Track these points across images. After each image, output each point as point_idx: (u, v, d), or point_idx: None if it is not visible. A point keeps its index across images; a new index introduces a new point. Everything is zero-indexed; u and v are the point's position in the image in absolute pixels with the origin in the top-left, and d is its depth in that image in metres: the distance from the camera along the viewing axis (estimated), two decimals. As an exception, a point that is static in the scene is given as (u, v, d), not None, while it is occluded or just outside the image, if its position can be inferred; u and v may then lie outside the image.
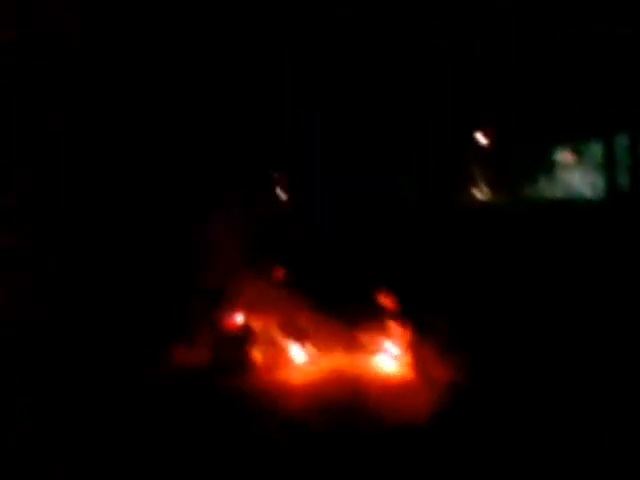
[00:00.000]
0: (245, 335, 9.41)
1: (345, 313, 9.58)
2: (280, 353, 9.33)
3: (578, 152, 15.61)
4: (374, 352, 8.96)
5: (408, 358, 8.69)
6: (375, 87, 14.32)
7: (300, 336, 9.36)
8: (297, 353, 9.28)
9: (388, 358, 8.84)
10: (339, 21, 13.33)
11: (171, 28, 12.33)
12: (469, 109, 14.98)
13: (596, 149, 15.46)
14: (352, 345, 9.13)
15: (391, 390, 8.17)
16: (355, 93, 14.30)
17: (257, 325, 9.53)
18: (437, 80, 14.42)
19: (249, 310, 9.67)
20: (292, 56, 13.54)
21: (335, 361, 9.02)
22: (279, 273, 11.00)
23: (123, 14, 11.40)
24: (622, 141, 14.97)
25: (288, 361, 9.16)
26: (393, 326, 8.96)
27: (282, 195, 14.56)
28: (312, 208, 14.16)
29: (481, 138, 15.60)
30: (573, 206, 14.50)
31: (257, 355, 9.21)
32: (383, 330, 8.99)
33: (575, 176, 15.53)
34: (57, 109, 11.07)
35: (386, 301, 9.20)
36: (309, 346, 9.28)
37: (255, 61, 13.20)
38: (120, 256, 10.44)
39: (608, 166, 14.51)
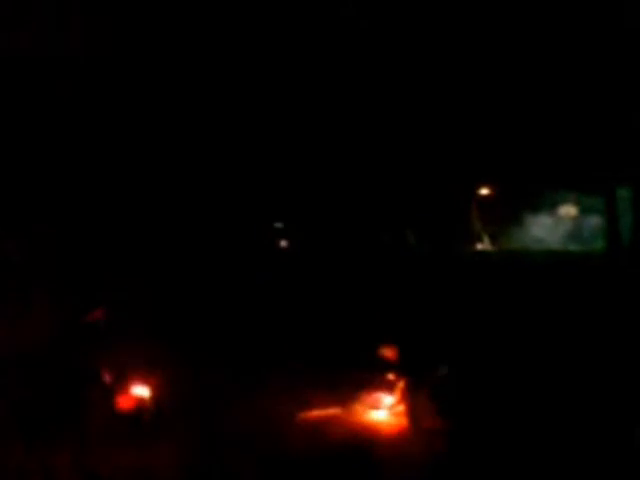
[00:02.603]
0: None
1: (343, 365, 9.66)
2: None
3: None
4: (370, 403, 8.96)
5: (401, 408, 8.69)
6: (380, 143, 14.51)
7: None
8: None
9: (382, 408, 8.83)
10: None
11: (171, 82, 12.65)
12: (472, 165, 15.16)
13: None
14: (349, 396, 9.14)
15: (386, 438, 8.22)
16: (360, 147, 14.49)
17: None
18: (441, 137, 14.63)
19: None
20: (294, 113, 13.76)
21: (331, 411, 9.02)
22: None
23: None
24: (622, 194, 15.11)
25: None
26: (389, 378, 8.98)
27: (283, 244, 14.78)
28: (312, 259, 14.32)
29: (484, 192, 15.76)
30: (576, 258, 14.51)
31: None
32: (379, 382, 9.01)
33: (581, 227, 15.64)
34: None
35: (386, 353, 9.25)
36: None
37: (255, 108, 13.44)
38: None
39: (610, 219, 14.54)
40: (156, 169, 13.07)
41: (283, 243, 14.29)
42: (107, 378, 8.67)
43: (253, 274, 13.13)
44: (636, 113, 13.81)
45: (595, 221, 15.06)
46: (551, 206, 15.32)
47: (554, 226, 15.20)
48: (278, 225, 14.40)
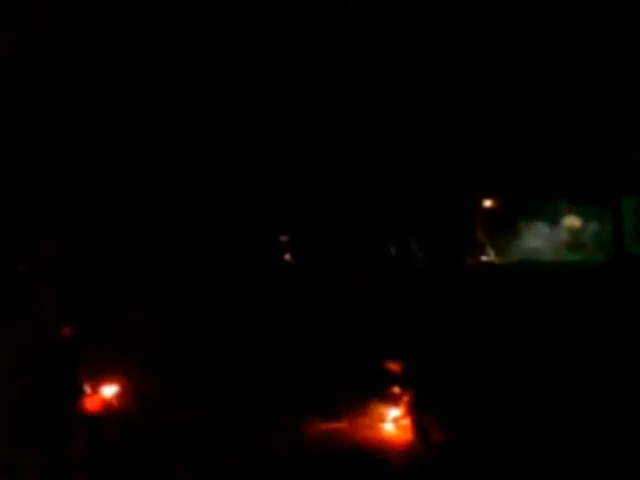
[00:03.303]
0: None
1: (349, 378, 9.69)
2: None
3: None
4: (375, 416, 8.99)
5: (407, 421, 8.72)
6: (383, 151, 14.50)
7: None
8: None
9: (389, 421, 8.86)
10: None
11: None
12: (477, 177, 15.16)
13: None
14: (355, 409, 9.17)
15: (391, 451, 8.26)
16: (365, 159, 14.52)
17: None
18: (446, 147, 14.64)
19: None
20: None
21: (338, 424, 9.06)
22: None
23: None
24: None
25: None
26: (394, 391, 9.02)
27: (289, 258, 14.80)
28: (321, 272, 14.30)
29: (488, 204, 15.77)
30: (583, 268, 14.47)
31: None
32: (385, 395, 9.05)
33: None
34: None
35: (391, 367, 9.29)
36: None
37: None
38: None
39: (616, 229, 14.55)
40: (158, 179, 13.09)
41: (287, 256, 14.31)
42: (87, 388, 8.79)
43: (257, 285, 13.16)
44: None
45: (595, 229, 15.03)
46: (554, 216, 15.28)
47: (555, 235, 15.14)
48: (283, 238, 14.42)
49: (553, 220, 15.13)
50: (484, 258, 14.97)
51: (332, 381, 9.75)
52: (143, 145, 12.85)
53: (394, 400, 8.87)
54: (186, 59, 12.62)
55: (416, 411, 8.59)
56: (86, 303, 10.70)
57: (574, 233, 14.96)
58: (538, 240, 15.02)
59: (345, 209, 14.62)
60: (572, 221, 15.04)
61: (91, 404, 8.66)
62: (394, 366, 9.19)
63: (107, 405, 8.67)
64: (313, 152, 14.04)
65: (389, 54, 13.35)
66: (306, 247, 14.76)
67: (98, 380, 8.78)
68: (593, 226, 14.90)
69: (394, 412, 8.81)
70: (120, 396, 8.77)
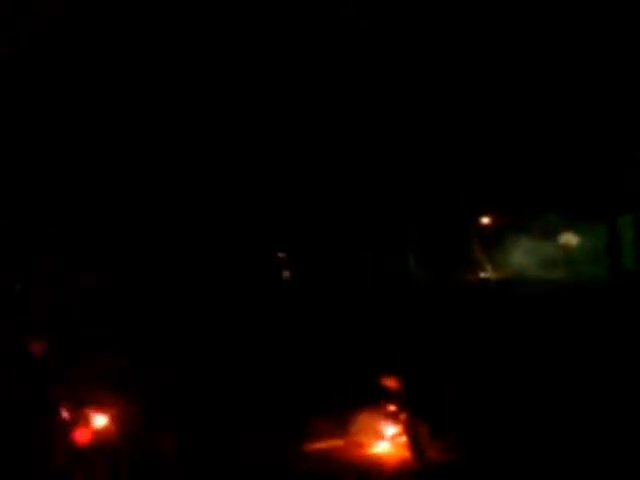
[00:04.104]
0: None
1: (344, 395, 9.66)
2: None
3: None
4: (372, 433, 8.96)
5: (404, 439, 8.68)
6: (384, 173, 14.53)
7: None
8: None
9: (385, 439, 8.83)
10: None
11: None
12: (474, 193, 15.17)
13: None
14: (351, 427, 9.15)
15: (388, 469, 8.23)
16: (363, 177, 14.54)
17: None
18: (443, 163, 14.67)
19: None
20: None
21: (333, 443, 9.03)
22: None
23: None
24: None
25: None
26: (392, 409, 8.99)
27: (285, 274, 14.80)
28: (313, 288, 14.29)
29: (485, 221, 15.78)
30: (579, 286, 14.45)
31: None
32: (382, 413, 9.03)
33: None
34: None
35: (386, 383, 9.27)
36: None
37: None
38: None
39: (612, 247, 14.56)
40: (157, 192, 13.07)
41: (285, 273, 14.31)
42: (65, 412, 8.07)
43: (255, 302, 13.15)
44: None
45: (588, 245, 15.01)
46: (546, 232, 15.24)
47: (545, 251, 15.11)
48: (281, 254, 14.42)
49: (545, 236, 15.10)
50: (482, 274, 14.96)
51: (328, 398, 9.72)
52: (143, 154, 12.83)
53: (391, 417, 8.83)
54: (186, 59, 12.62)
55: (413, 429, 8.55)
56: (79, 317, 10.58)
57: (569, 250, 14.94)
58: (527, 256, 14.98)
59: (344, 222, 14.60)
60: (569, 239, 15.02)
61: (81, 436, 7.96)
62: (391, 382, 9.15)
63: (98, 436, 8.07)
64: (312, 164, 14.02)
65: (389, 55, 13.36)
66: (303, 263, 14.77)
67: (86, 407, 8.18)
68: (589, 243, 14.90)
69: (391, 430, 8.78)
70: (113, 425, 8.22)
